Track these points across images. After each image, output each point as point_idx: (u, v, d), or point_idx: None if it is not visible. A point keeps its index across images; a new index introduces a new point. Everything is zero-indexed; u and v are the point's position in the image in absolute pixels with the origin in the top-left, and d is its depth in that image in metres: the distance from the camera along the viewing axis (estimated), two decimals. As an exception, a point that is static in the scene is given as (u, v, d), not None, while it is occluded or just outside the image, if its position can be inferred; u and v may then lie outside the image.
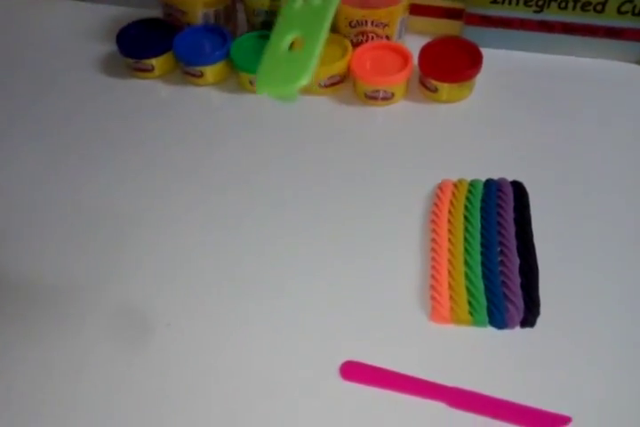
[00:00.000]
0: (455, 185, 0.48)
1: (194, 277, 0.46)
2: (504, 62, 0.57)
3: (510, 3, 0.56)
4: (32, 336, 0.43)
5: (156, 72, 0.58)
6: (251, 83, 0.56)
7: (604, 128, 0.53)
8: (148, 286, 0.45)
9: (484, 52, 0.55)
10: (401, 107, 0.55)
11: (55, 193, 0.52)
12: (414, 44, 0.56)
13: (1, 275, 0.47)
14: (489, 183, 0.48)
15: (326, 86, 0.55)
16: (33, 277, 0.47)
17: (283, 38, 0.38)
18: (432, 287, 0.42)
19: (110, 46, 0.60)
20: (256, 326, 0.43)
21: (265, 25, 0.57)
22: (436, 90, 0.54)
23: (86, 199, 0.51)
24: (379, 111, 0.55)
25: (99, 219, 0.49)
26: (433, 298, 0.42)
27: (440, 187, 0.48)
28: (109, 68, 0.60)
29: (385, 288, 0.44)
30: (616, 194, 0.48)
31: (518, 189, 0.47)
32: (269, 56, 0.38)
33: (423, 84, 0.55)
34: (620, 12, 0.55)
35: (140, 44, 0.57)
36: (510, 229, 0.45)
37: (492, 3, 0.56)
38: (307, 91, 0.56)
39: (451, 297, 0.41)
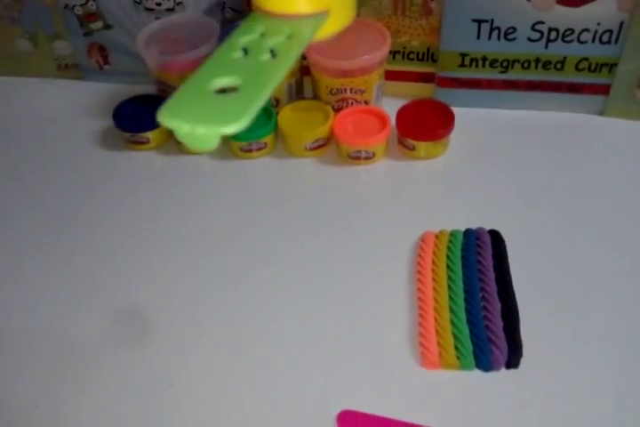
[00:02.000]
0: (437, 236, 0.51)
1: (191, 336, 0.48)
2: (475, 119, 0.61)
3: (477, 65, 0.60)
4: None
5: (152, 144, 0.62)
6: (240, 149, 0.60)
7: (573, 176, 0.57)
8: (149, 345, 0.48)
9: (456, 110, 0.59)
10: (382, 165, 0.59)
11: (54, 261, 0.54)
12: (391, 107, 0.60)
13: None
14: (468, 233, 0.51)
15: (311, 149, 0.59)
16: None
17: (210, 79, 0.33)
18: (420, 335, 0.45)
19: (107, 122, 0.64)
20: (250, 379, 0.45)
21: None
22: (413, 148, 0.58)
23: (86, 264, 0.54)
24: (362, 170, 0.59)
25: (95, 279, 0.52)
26: (422, 345, 0.44)
27: (423, 239, 0.51)
28: (107, 141, 0.64)
29: (375, 337, 0.46)
30: (587, 237, 0.51)
31: (495, 238, 0.50)
32: (189, 90, 0.33)
33: (401, 143, 0.59)
34: (577, 69, 0.59)
35: (135, 118, 0.61)
36: (490, 276, 0.47)
37: (460, 66, 0.61)
38: (293, 154, 0.60)
39: (438, 343, 0.44)
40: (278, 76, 0.33)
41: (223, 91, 0.33)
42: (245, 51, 0.35)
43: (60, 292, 0.52)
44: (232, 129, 0.30)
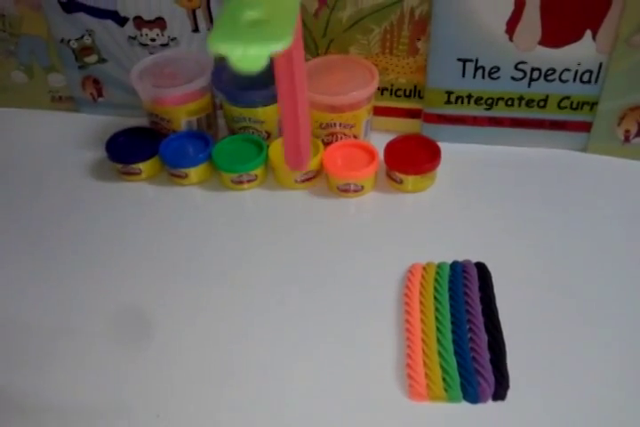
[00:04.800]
0: (424, 268, 0.52)
1: (179, 369, 0.48)
2: (461, 154, 0.63)
3: (462, 102, 0.62)
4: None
5: (144, 175, 0.62)
6: (231, 181, 0.61)
7: (557, 210, 0.58)
8: (137, 374, 0.47)
9: (443, 145, 0.60)
10: (371, 198, 0.60)
11: (46, 292, 0.54)
12: (379, 141, 0.62)
13: None
14: (455, 265, 0.52)
15: (302, 182, 0.60)
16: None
17: (241, 13, 0.34)
18: (408, 366, 0.45)
19: (100, 153, 0.64)
20: (236, 411, 0.45)
21: (243, 129, 0.63)
22: (401, 181, 0.59)
23: (81, 298, 0.54)
24: (351, 202, 0.60)
25: (87, 311, 0.52)
26: (409, 376, 0.44)
27: (410, 271, 0.52)
28: (99, 172, 0.65)
29: (362, 368, 0.46)
30: (570, 271, 0.52)
31: (482, 270, 0.51)
32: (225, 24, 0.34)
33: (390, 176, 0.60)
34: (560, 107, 0.61)
35: (128, 150, 0.62)
36: (477, 308, 0.48)
37: (446, 103, 0.62)
38: (284, 186, 0.61)
39: (426, 375, 0.44)
40: (296, 4, 0.35)
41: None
42: None
43: (51, 322, 0.52)
44: (281, 45, 0.31)
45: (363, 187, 0.59)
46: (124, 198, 0.62)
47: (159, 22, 0.64)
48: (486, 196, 0.60)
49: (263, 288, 0.53)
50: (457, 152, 0.63)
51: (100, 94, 0.70)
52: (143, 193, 0.63)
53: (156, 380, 0.47)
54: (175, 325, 0.51)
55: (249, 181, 0.61)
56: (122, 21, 0.64)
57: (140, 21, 0.64)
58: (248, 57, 0.32)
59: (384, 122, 0.66)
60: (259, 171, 0.60)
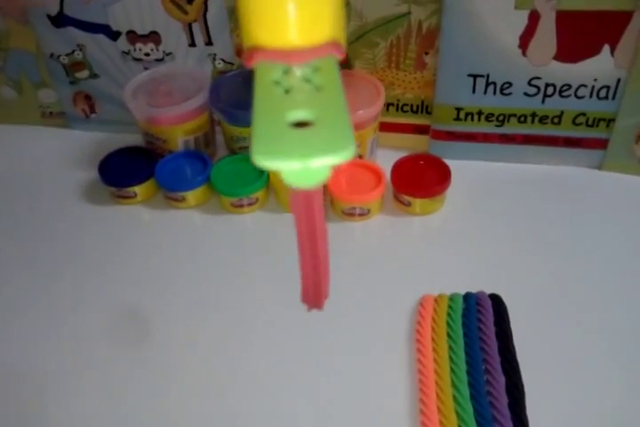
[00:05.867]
0: (436, 300, 0.49)
1: (177, 395, 0.46)
2: (471, 172, 0.60)
3: (473, 119, 0.59)
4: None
5: (139, 198, 0.60)
6: (231, 205, 0.58)
7: (573, 232, 0.55)
8: (133, 394, 0.45)
9: (452, 163, 0.57)
10: (377, 221, 0.57)
11: (37, 317, 0.52)
12: (385, 158, 0.59)
13: None
14: (468, 297, 0.49)
15: (304, 205, 0.58)
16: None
17: (282, 114, 0.28)
18: (422, 413, 0.42)
19: (93, 173, 0.61)
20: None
21: (243, 149, 0.60)
22: (409, 204, 0.57)
23: (72, 320, 0.51)
24: (356, 226, 0.57)
25: (82, 334, 0.50)
26: (423, 424, 0.42)
27: (421, 303, 0.49)
28: (92, 194, 0.62)
29: (372, 415, 0.43)
30: (589, 300, 0.50)
31: (497, 302, 0.49)
32: (266, 126, 0.28)
33: (397, 198, 0.57)
34: (575, 123, 0.58)
35: (121, 172, 0.59)
36: (493, 346, 0.45)
37: (455, 120, 0.60)
38: (286, 209, 0.58)
39: (441, 423, 0.41)
40: (343, 100, 0.30)
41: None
42: (285, 90, 0.31)
43: (44, 348, 0.49)
44: (346, 156, 0.26)
45: (369, 210, 0.57)
46: (119, 221, 0.59)
47: (153, 36, 0.61)
48: (498, 217, 0.57)
49: (263, 316, 0.50)
50: (467, 170, 0.60)
51: (92, 110, 0.67)
52: (138, 216, 0.60)
53: (154, 400, 0.45)
54: (172, 354, 0.48)
55: (249, 205, 0.58)
56: (114, 36, 0.61)
57: (133, 36, 0.61)
58: (308, 172, 0.27)
59: (390, 138, 0.63)
60: (260, 194, 0.58)
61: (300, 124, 0.28)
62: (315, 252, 0.34)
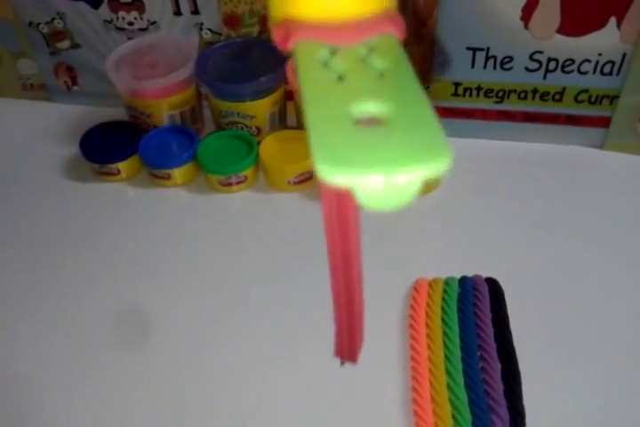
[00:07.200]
0: (430, 285, 0.48)
1: (168, 393, 0.44)
2: (469, 151, 0.58)
3: (471, 95, 0.57)
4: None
5: (123, 175, 0.57)
6: (219, 183, 0.56)
7: (573, 213, 0.53)
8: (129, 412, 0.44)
9: (449, 140, 0.55)
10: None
11: (19, 297, 0.50)
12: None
13: None
14: (464, 281, 0.48)
15: (296, 183, 0.55)
16: None
17: (344, 108, 0.22)
18: (414, 402, 0.41)
19: (75, 148, 0.59)
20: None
21: (231, 124, 0.57)
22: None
23: (55, 301, 0.49)
24: (349, 206, 0.55)
25: (65, 314, 0.48)
26: (416, 413, 0.40)
27: (415, 287, 0.48)
28: (74, 171, 0.59)
29: (364, 403, 0.42)
30: (590, 283, 0.48)
31: (493, 287, 0.47)
32: (328, 126, 0.22)
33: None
34: (577, 100, 0.56)
35: (104, 148, 0.57)
36: (489, 332, 0.44)
37: (453, 95, 0.57)
38: (276, 188, 0.56)
39: (434, 412, 0.40)
40: (420, 89, 0.23)
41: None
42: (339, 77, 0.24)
43: (28, 329, 0.47)
44: (442, 166, 0.21)
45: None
46: (102, 200, 0.57)
47: (137, 4, 0.57)
48: (496, 196, 0.55)
49: (252, 299, 0.49)
50: (464, 148, 0.56)
51: (74, 83, 0.64)
52: (123, 194, 0.57)
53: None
54: (160, 334, 0.47)
55: (238, 183, 0.56)
56: (96, 3, 0.58)
57: (115, 3, 0.57)
58: (391, 188, 0.20)
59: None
60: (249, 172, 0.55)
61: (367, 122, 0.22)
62: (349, 291, 0.28)
